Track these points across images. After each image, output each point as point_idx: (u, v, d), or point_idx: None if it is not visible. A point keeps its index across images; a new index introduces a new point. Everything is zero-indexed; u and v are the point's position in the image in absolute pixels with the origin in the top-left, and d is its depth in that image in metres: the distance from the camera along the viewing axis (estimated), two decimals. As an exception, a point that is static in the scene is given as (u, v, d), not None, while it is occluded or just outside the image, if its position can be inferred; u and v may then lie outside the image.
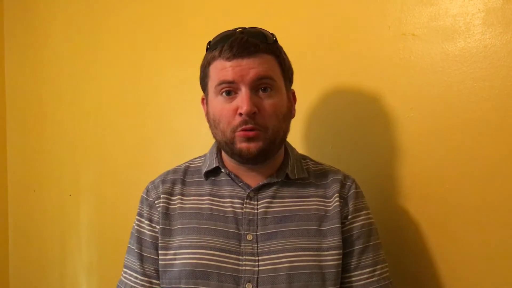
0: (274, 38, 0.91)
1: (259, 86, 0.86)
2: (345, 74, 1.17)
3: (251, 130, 0.85)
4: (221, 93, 0.87)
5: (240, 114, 0.85)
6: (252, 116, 0.85)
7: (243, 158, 0.88)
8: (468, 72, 0.98)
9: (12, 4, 2.05)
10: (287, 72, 0.92)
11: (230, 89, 0.86)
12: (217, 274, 0.85)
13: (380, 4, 1.10)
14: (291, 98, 0.96)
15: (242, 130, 0.85)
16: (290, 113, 0.93)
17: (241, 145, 0.87)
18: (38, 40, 1.96)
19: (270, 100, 0.87)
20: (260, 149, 0.86)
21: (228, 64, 0.85)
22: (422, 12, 1.04)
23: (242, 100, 0.84)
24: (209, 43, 0.91)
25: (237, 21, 1.33)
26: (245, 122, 0.85)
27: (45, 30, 1.93)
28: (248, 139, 0.86)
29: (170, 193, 0.95)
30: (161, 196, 0.94)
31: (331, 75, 1.19)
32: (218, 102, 0.88)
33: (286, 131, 0.92)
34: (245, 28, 0.89)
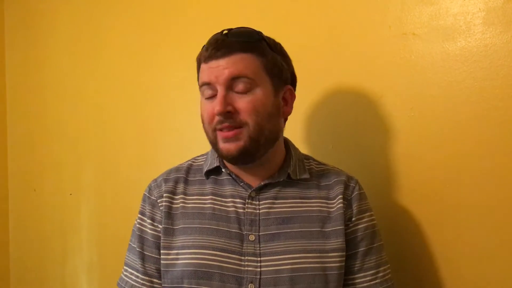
0: (259, 36, 0.89)
1: (234, 85, 0.86)
2: (345, 73, 1.17)
3: (229, 129, 0.85)
4: (204, 95, 0.89)
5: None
6: (228, 115, 0.85)
7: (226, 159, 0.89)
8: (469, 71, 0.98)
9: (13, 2, 2.05)
10: (272, 69, 0.89)
11: (210, 90, 0.87)
12: (220, 274, 0.85)
13: (381, 4, 1.10)
14: (287, 95, 0.93)
15: (220, 130, 0.86)
16: (278, 111, 0.91)
17: (222, 145, 0.87)
18: (39, 39, 1.96)
19: (247, 97, 0.86)
20: (241, 148, 0.86)
21: (206, 66, 0.87)
22: (422, 12, 1.04)
23: (216, 101, 0.85)
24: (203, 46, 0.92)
25: (236, 22, 1.33)
26: (221, 122, 0.85)
27: (46, 29, 1.93)
28: (228, 140, 0.86)
29: (173, 192, 0.94)
30: (164, 195, 0.94)
31: (332, 74, 1.19)
32: (203, 104, 0.90)
33: (273, 129, 0.90)
34: (232, 29, 0.89)
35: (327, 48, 1.20)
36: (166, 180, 0.96)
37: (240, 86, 0.85)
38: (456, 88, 1.00)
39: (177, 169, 0.99)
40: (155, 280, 0.91)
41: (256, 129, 0.86)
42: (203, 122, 0.90)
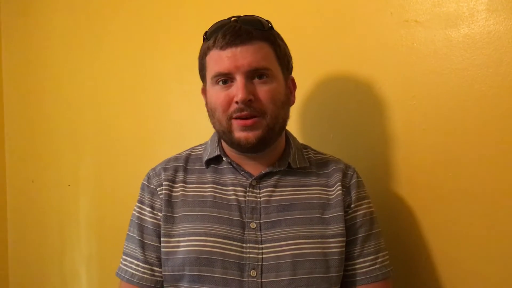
0: (270, 25, 0.90)
1: (254, 74, 0.86)
2: (346, 61, 1.16)
3: (248, 118, 0.85)
4: (218, 83, 0.88)
5: (236, 102, 0.85)
6: (248, 104, 0.84)
7: (242, 148, 0.88)
8: (472, 58, 0.97)
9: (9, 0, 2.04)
10: (283, 59, 0.91)
11: (226, 79, 0.86)
12: (222, 261, 0.85)
13: (382, -10, 1.09)
14: (290, 85, 0.95)
15: (239, 117, 0.85)
16: (288, 100, 0.93)
17: (239, 134, 0.86)
18: (37, 27, 1.94)
19: (266, 86, 0.86)
20: (259, 137, 0.86)
21: (222, 54, 0.85)
22: (425, -2, 1.03)
23: (237, 89, 0.84)
24: (205, 33, 0.91)
25: (235, 10, 1.31)
26: (240, 110, 0.85)
27: (43, 22, 1.91)
28: (246, 128, 0.86)
29: (173, 181, 0.94)
30: (164, 183, 0.93)
31: (332, 62, 1.18)
32: (215, 91, 0.88)
33: (285, 118, 0.92)
34: (240, 16, 0.89)
35: (328, 36, 1.19)
36: (165, 169, 0.96)
37: (260, 74, 0.86)
38: (459, 75, 0.99)
39: (175, 158, 0.99)
40: (155, 268, 0.91)
41: (273, 118, 0.87)
42: (213, 111, 0.89)
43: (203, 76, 0.93)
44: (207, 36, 0.90)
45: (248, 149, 0.88)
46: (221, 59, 0.85)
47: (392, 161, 1.10)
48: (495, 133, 0.96)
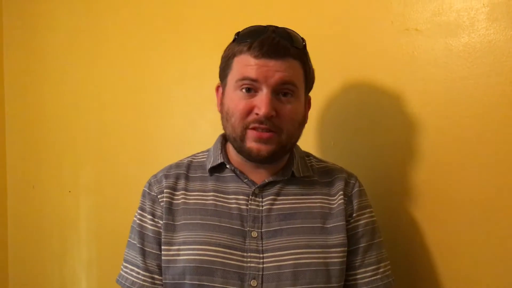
0: (304, 43, 0.90)
1: (280, 90, 0.85)
2: (347, 69, 1.16)
3: (266, 131, 0.84)
4: (241, 89, 0.86)
5: (257, 114, 0.84)
6: (269, 118, 0.84)
7: (251, 158, 0.88)
8: (472, 67, 0.97)
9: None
10: (309, 81, 0.92)
11: (250, 87, 0.85)
12: (222, 270, 0.85)
13: (383, -1, 1.09)
14: (307, 104, 0.95)
15: (255, 128, 0.85)
16: (304, 121, 0.93)
17: (251, 144, 0.86)
18: (38, 33, 1.94)
19: (289, 105, 0.86)
20: (271, 152, 0.86)
21: (255, 61, 0.84)
22: (425, 7, 1.03)
23: (261, 101, 0.83)
24: (238, 33, 0.89)
25: (238, 17, 1.32)
26: (260, 122, 0.84)
27: (45, 24, 1.92)
28: (261, 140, 0.85)
29: (174, 188, 0.94)
30: (165, 190, 0.93)
31: (333, 70, 1.18)
32: (236, 96, 0.87)
33: (298, 137, 0.92)
34: (277, 27, 0.88)
35: (329, 44, 1.19)
36: (166, 176, 0.95)
37: (285, 92, 0.86)
38: (459, 84, 0.99)
39: (177, 165, 0.98)
40: (156, 276, 0.91)
41: (288, 137, 0.87)
42: (229, 115, 0.87)
43: (224, 76, 0.91)
44: (239, 38, 0.88)
45: (257, 160, 0.88)
46: (252, 66, 0.84)
47: (394, 168, 1.10)
48: (495, 140, 0.96)
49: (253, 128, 0.85)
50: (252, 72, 0.84)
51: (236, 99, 0.86)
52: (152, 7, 1.56)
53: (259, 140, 0.85)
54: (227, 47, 0.91)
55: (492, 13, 0.95)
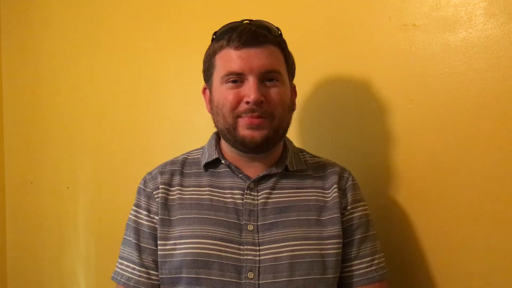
0: (280, 32, 0.92)
1: (265, 77, 0.87)
2: (345, 65, 1.16)
3: (257, 117, 0.86)
4: (227, 82, 0.88)
5: (247, 102, 0.85)
6: (259, 105, 0.85)
7: (246, 147, 0.88)
8: (470, 62, 0.97)
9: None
10: (290, 66, 0.94)
11: (237, 79, 0.87)
12: (219, 263, 0.85)
13: (381, -6, 1.09)
14: (293, 91, 0.97)
15: (248, 117, 0.86)
16: (292, 106, 0.95)
17: (245, 132, 0.87)
18: (35, 29, 1.94)
19: (276, 89, 0.88)
20: (265, 137, 0.87)
21: (236, 53, 0.86)
22: (423, 2, 1.03)
23: (249, 89, 0.85)
24: (215, 33, 0.92)
25: (235, 14, 1.32)
26: (251, 110, 0.86)
27: (42, 21, 1.91)
28: (253, 127, 0.86)
29: (169, 184, 0.94)
30: (160, 186, 0.93)
31: (331, 66, 1.18)
32: (224, 89, 0.88)
33: (289, 122, 0.93)
34: (252, 20, 0.90)
35: (326, 39, 1.19)
36: (161, 173, 0.96)
37: (269, 78, 0.88)
38: (457, 79, 0.99)
39: (172, 162, 0.99)
40: (152, 271, 0.91)
41: (280, 121, 0.89)
42: (219, 108, 0.89)
43: (208, 76, 0.93)
44: (217, 36, 0.90)
45: (251, 148, 0.89)
46: (234, 59, 0.86)
47: (391, 164, 1.10)
48: (493, 136, 0.96)
49: (246, 117, 0.86)
50: (235, 66, 0.86)
51: (224, 91, 0.88)
52: (148, 4, 1.56)
53: (251, 126, 0.86)
54: (207, 49, 0.93)
55: (489, 8, 0.94)
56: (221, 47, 0.88)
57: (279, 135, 0.90)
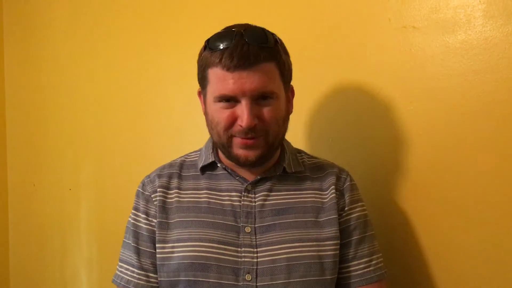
0: (275, 39, 0.87)
1: (259, 97, 0.84)
2: (345, 67, 1.16)
3: (251, 138, 0.85)
4: (220, 101, 0.85)
5: (240, 125, 0.83)
6: (252, 128, 0.84)
7: (240, 164, 0.89)
8: (469, 64, 0.97)
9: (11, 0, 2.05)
10: (286, 75, 0.90)
11: (230, 99, 0.84)
12: (217, 266, 0.85)
13: (381, -4, 1.09)
14: (289, 94, 0.94)
15: (241, 137, 0.85)
16: (288, 114, 0.93)
17: (239, 151, 0.87)
18: (37, 32, 1.95)
19: (270, 107, 0.85)
20: (259, 156, 0.87)
21: (228, 75, 0.82)
22: (422, 4, 1.03)
23: (242, 113, 0.83)
24: (207, 41, 0.86)
25: (237, 16, 1.32)
26: (245, 133, 0.84)
27: (44, 23, 1.92)
28: (247, 147, 0.86)
29: (167, 187, 0.94)
30: (158, 190, 0.94)
31: (331, 68, 1.18)
32: (217, 107, 0.86)
33: (284, 132, 0.92)
34: (245, 29, 0.84)
35: (326, 42, 1.19)
36: (159, 176, 0.96)
37: (264, 98, 0.85)
38: (456, 81, 0.99)
39: (170, 165, 0.99)
40: (151, 274, 0.91)
41: (274, 136, 0.87)
42: (214, 124, 0.87)
43: (202, 85, 0.90)
44: (209, 46, 0.85)
45: (245, 165, 0.89)
46: (227, 80, 0.82)
47: (391, 165, 1.10)
48: (492, 137, 0.95)
49: (239, 138, 0.85)
50: (228, 89, 0.82)
51: (219, 110, 0.86)
52: (151, 5, 1.57)
53: (245, 146, 0.86)
54: (200, 54, 0.89)
55: (488, 10, 0.94)
56: (213, 64, 0.84)
57: (274, 148, 0.90)
